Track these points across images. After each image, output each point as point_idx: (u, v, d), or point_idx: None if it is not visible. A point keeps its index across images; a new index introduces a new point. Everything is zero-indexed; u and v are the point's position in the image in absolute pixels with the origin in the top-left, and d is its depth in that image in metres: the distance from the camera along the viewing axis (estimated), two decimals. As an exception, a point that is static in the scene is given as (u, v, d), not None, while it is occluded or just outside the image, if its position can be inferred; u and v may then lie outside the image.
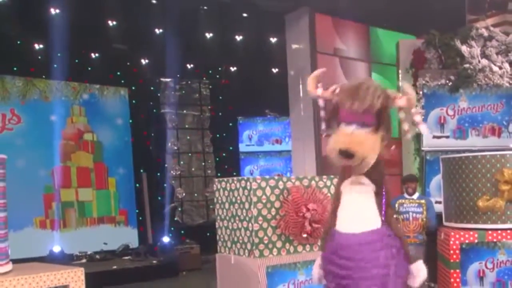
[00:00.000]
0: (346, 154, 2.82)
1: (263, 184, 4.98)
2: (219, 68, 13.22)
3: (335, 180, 5.31)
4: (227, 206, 5.32)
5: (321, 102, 3.14)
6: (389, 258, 3.07)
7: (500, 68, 6.56)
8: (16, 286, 3.82)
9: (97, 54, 11.57)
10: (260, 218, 4.94)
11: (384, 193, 3.17)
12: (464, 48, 6.59)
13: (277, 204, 4.99)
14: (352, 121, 2.91)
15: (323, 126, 3.14)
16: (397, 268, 3.06)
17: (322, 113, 3.16)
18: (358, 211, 3.13)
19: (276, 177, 5.15)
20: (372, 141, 2.91)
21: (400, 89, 3.25)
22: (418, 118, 2.99)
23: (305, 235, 5.00)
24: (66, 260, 10.15)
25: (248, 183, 4.97)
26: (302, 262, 4.98)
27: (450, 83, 6.58)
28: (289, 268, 4.94)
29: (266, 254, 4.95)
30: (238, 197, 5.12)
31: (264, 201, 4.96)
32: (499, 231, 5.16)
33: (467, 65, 6.53)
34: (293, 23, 8.23)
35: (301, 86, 7.99)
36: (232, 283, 5.26)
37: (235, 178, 5.29)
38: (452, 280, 5.12)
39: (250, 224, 4.96)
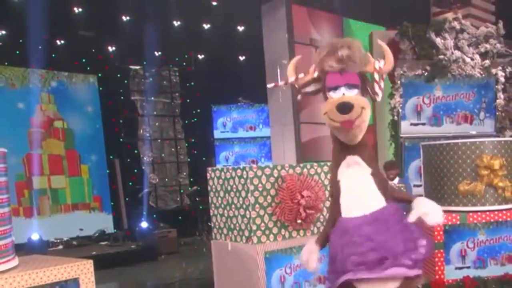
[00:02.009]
0: (344, 105, 2.65)
1: (259, 172, 4.96)
2: (187, 56, 12.96)
3: (326, 168, 5.40)
4: (222, 194, 5.27)
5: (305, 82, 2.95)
6: (403, 232, 2.93)
7: (472, 59, 6.73)
8: (27, 280, 3.69)
9: (62, 41, 11.12)
10: (257, 205, 4.93)
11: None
12: (438, 40, 6.70)
13: (272, 192, 4.99)
14: (339, 84, 2.77)
15: (299, 97, 3.03)
16: (414, 237, 2.92)
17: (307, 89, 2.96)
18: (361, 194, 2.96)
19: (271, 166, 5.14)
20: (364, 98, 2.79)
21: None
22: (382, 83, 2.92)
23: (299, 221, 5.03)
24: (45, 247, 9.85)
25: (245, 172, 4.94)
26: (297, 247, 4.99)
27: (426, 73, 6.70)
28: (285, 253, 4.96)
29: (263, 240, 4.94)
30: (234, 186, 5.08)
31: (260, 189, 4.94)
32: (479, 213, 5.33)
33: (441, 56, 6.66)
34: (269, 13, 8.15)
35: (279, 74, 7.94)
36: (229, 269, 5.23)
37: (230, 167, 5.24)
38: (436, 259, 5.26)
39: (247, 212, 4.94)
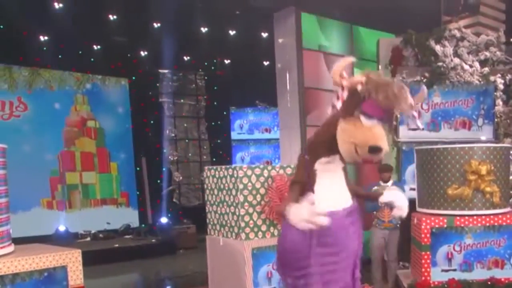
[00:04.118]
0: (376, 149, 2.55)
1: (249, 172, 4.98)
2: (214, 61, 13.11)
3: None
4: (216, 192, 5.32)
5: (344, 86, 2.69)
6: (360, 229, 3.08)
7: (471, 66, 6.55)
8: (17, 266, 3.81)
9: (98, 46, 11.43)
10: (246, 204, 4.95)
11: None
12: (438, 48, 6.55)
13: (262, 191, 5.01)
14: (376, 115, 2.60)
15: (335, 104, 2.74)
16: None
17: (341, 94, 2.71)
18: (337, 190, 2.98)
19: (261, 166, 5.15)
20: (387, 137, 2.68)
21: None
22: (415, 113, 2.80)
23: (288, 220, 5.00)
24: (71, 238, 10.14)
25: (235, 171, 4.97)
26: (285, 244, 4.99)
27: (425, 79, 6.56)
28: (273, 249, 4.91)
29: (251, 237, 4.96)
30: (226, 184, 5.12)
31: (250, 188, 4.97)
32: (466, 217, 5.20)
33: (440, 63, 6.51)
34: (280, 21, 8.14)
35: (287, 79, 7.94)
36: (221, 263, 5.28)
37: (223, 167, 5.28)
38: (423, 261, 5.16)
39: (237, 209, 4.97)
